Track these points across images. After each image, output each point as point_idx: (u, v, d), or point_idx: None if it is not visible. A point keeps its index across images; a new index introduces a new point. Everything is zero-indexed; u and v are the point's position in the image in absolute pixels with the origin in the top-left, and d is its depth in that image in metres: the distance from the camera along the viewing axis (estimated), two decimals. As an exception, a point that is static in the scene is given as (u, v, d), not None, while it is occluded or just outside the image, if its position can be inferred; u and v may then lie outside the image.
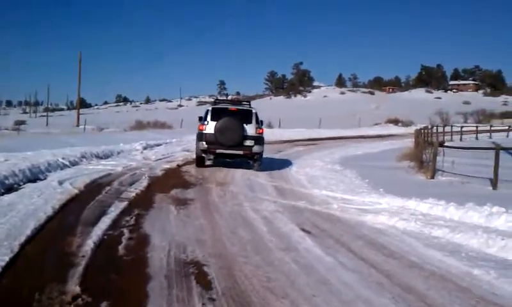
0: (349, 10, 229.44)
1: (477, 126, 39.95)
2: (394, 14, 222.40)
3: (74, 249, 5.62)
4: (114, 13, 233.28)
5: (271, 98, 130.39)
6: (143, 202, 8.83)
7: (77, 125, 49.39)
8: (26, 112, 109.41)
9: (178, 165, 15.29)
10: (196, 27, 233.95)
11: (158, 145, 22.86)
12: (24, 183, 10.22)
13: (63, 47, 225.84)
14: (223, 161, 15.50)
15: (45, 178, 11.08)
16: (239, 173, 13.85)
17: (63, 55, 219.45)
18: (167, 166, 14.76)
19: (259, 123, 15.24)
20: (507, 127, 39.02)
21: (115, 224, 6.96)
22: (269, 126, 39.15)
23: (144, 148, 20.48)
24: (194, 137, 28.91)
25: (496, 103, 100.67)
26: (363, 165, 16.50)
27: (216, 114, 14.63)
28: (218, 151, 14.44)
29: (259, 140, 14.73)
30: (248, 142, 14.45)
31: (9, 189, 9.43)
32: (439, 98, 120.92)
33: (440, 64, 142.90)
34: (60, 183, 10.28)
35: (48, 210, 7.56)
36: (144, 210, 8.04)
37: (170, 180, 12.03)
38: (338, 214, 8.59)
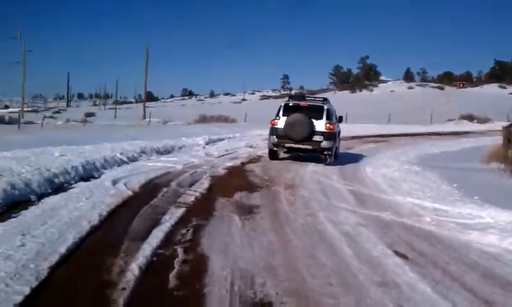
0: (416, 1, 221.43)
1: None
2: (465, 6, 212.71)
3: (114, 276, 4.48)
4: (181, 8, 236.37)
5: (335, 93, 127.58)
6: (202, 209, 7.67)
7: (143, 118, 49.63)
8: (96, 105, 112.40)
9: (242, 163, 14.11)
10: (261, 22, 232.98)
11: (221, 140, 21.87)
12: (75, 182, 9.36)
13: (132, 40, 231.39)
14: (296, 156, 15.61)
15: (99, 176, 10.21)
16: (308, 174, 12.50)
17: (132, 49, 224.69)
18: (230, 164, 13.61)
19: (332, 119, 15.15)
20: None
21: (168, 239, 5.81)
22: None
23: (207, 143, 19.52)
24: (258, 131, 28.41)
25: None
26: (445, 167, 14.74)
27: (288, 110, 14.96)
28: (288, 145, 14.74)
29: (329, 135, 14.60)
30: (317, 138, 14.44)
31: (58, 189, 8.58)
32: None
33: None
34: (114, 182, 9.35)
35: (93, 217, 6.52)
36: (203, 220, 6.86)
37: (233, 181, 10.86)
38: (434, 230, 7.07)
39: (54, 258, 4.79)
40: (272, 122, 15.10)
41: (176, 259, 5.07)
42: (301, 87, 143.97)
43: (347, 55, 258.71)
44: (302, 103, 15.44)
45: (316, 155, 15.20)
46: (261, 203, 8.34)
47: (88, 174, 10.22)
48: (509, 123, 29.26)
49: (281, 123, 14.70)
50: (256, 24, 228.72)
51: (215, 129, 28.83)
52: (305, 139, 14.34)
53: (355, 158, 17.15)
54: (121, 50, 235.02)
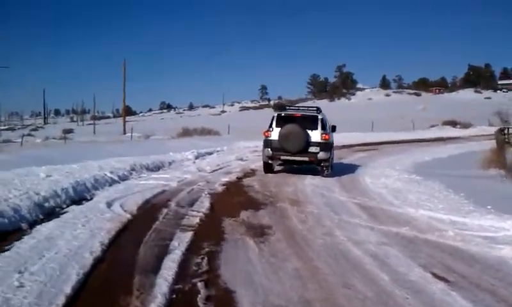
0: (390, 10, 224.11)
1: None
2: (438, 13, 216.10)
3: (133, 323, 3.87)
4: (156, 21, 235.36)
5: (314, 102, 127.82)
6: (210, 232, 7.06)
7: (124, 133, 48.62)
8: (74, 121, 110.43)
9: (238, 178, 13.52)
10: (238, 33, 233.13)
11: (210, 154, 21.24)
12: (67, 206, 8.69)
13: (108, 55, 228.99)
14: (290, 168, 15.13)
15: (91, 198, 9.54)
16: (309, 187, 11.99)
17: (109, 63, 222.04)
18: (225, 179, 13.02)
19: (326, 129, 14.63)
20: None
21: (183, 271, 5.19)
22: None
23: (196, 157, 18.88)
24: (244, 144, 27.86)
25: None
26: (444, 174, 14.40)
27: (281, 121, 14.33)
28: (283, 157, 14.24)
29: (325, 146, 14.15)
30: (313, 149, 13.96)
31: (49, 215, 7.91)
32: (489, 98, 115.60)
33: (488, 63, 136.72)
34: (108, 205, 8.70)
35: (95, 247, 5.88)
36: (215, 246, 6.26)
37: (234, 198, 10.28)
38: (462, 247, 6.58)
39: (60, 301, 4.16)
40: (266, 134, 14.50)
41: (199, 296, 4.47)
42: (280, 98, 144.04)
43: (324, 64, 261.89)
44: (296, 113, 14.91)
45: (312, 167, 14.74)
46: (271, 223, 7.77)
47: (79, 196, 9.54)
48: (500, 127, 29.24)
49: (275, 134, 14.14)
50: (233, 36, 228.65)
51: (201, 142, 28.22)
52: (301, 151, 13.86)
53: (350, 168, 16.70)
54: (97, 65, 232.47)
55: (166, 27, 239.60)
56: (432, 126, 51.25)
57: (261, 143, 20.50)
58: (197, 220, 7.79)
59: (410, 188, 11.99)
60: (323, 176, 14.08)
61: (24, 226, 6.98)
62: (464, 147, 28.49)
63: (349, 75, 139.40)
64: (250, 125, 59.36)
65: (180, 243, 6.29)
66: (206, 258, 5.68)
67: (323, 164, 14.17)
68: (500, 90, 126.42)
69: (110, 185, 11.19)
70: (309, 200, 10.16)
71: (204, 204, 9.27)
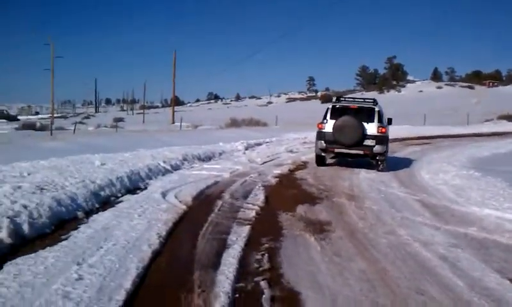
0: (441, 0, 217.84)
1: None
2: (491, 3, 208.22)
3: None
4: (206, 13, 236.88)
5: (362, 93, 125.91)
6: (267, 227, 6.84)
7: (173, 122, 49.18)
8: (124, 110, 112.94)
9: (290, 171, 13.26)
10: (286, 24, 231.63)
11: (259, 144, 21.04)
12: (122, 195, 8.67)
13: (157, 46, 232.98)
14: (344, 161, 14.86)
15: (145, 187, 9.50)
16: (365, 182, 11.60)
17: (158, 55, 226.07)
18: (277, 171, 12.78)
19: (383, 122, 14.07)
20: None
21: (243, 267, 4.99)
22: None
23: (246, 148, 18.72)
24: (293, 135, 27.55)
25: None
26: (505, 171, 13.62)
27: (336, 113, 13.92)
28: (337, 150, 13.81)
29: (382, 139, 13.60)
30: (369, 142, 13.47)
31: (105, 204, 7.88)
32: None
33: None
34: (163, 195, 8.62)
35: (153, 239, 5.76)
36: (274, 242, 6.02)
37: (288, 191, 10.03)
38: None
39: (120, 297, 4.02)
40: (320, 126, 14.15)
41: (263, 296, 4.24)
42: (327, 89, 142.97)
43: (374, 56, 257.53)
44: (351, 105, 14.38)
45: (365, 161, 14.33)
46: (330, 219, 7.47)
47: (134, 185, 9.53)
48: None
49: (329, 126, 13.74)
50: (282, 26, 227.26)
51: (249, 133, 28.09)
52: (356, 144, 13.39)
53: (405, 162, 16.11)
54: (147, 55, 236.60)
55: (214, 18, 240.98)
56: (487, 120, 49.36)
57: (310, 134, 20.39)
58: (253, 213, 7.58)
59: (472, 185, 11.37)
60: (378, 170, 13.67)
61: (80, 214, 6.97)
62: (524, 143, 27.16)
63: (399, 67, 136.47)
64: (297, 115, 59.11)
65: (238, 237, 6.09)
66: (266, 254, 5.45)
67: (378, 158, 13.68)
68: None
69: (163, 174, 11.16)
70: (366, 195, 9.78)
71: (258, 196, 9.06)
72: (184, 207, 7.81)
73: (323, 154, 14.27)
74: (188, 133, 31.03)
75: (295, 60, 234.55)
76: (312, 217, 7.57)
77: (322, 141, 13.90)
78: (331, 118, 13.85)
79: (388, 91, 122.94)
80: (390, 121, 14.97)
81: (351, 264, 5.24)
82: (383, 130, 13.76)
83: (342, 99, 15.26)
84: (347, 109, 13.99)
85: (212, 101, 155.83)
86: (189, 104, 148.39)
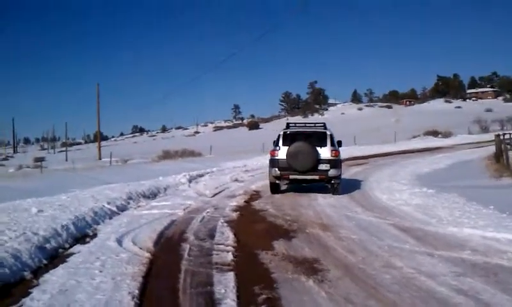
0: (357, 25, 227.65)
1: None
2: (405, 24, 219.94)
3: None
4: (126, 46, 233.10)
5: (287, 119, 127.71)
6: (253, 271, 5.98)
7: (99, 158, 46.98)
8: (44, 149, 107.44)
9: (246, 202, 12.45)
10: (209, 53, 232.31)
11: (201, 176, 20.04)
12: (71, 245, 7.56)
13: (76, 82, 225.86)
14: (296, 187, 14.50)
15: (95, 234, 8.38)
16: (328, 208, 11.04)
17: (78, 91, 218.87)
18: (233, 204, 11.94)
19: (335, 145, 13.84)
20: None
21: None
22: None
23: (190, 181, 17.69)
24: (232, 163, 26.82)
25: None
26: (455, 186, 13.64)
27: (287, 139, 13.62)
28: (292, 177, 13.44)
29: (335, 163, 13.37)
30: (323, 166, 13.21)
31: (54, 257, 6.73)
32: (459, 107, 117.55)
33: (456, 73, 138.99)
34: (119, 242, 7.56)
35: (126, 301, 4.79)
36: (269, 290, 5.17)
37: (255, 225, 9.21)
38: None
39: None
40: (272, 153, 13.77)
41: None
42: (252, 116, 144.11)
43: (296, 82, 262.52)
44: (303, 130, 14.26)
45: (319, 185, 13.94)
46: (316, 255, 6.71)
47: (81, 232, 8.37)
48: (497, 133, 28.65)
49: (282, 153, 13.37)
50: (204, 56, 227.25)
51: (186, 164, 27.07)
52: (311, 169, 13.09)
53: (354, 184, 15.79)
54: (66, 92, 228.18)
55: (134, 51, 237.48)
56: (414, 137, 51.02)
57: (249, 162, 20.04)
58: (230, 256, 6.67)
59: (434, 204, 11.15)
60: (333, 194, 13.35)
61: (28, 275, 5.82)
62: (455, 156, 27.91)
63: (320, 91, 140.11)
64: (228, 144, 58.53)
65: (226, 289, 5.19)
66: (269, 309, 4.59)
67: (334, 182, 13.40)
68: (469, 99, 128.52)
69: (110, 217, 10.02)
70: (338, 224, 9.14)
71: (226, 235, 8.17)
72: (148, 255, 6.79)
73: (277, 182, 13.89)
74: (120, 168, 29.49)
75: (220, 89, 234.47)
76: (295, 254, 6.77)
77: (276, 168, 13.45)
78: (283, 145, 13.52)
79: (312, 115, 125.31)
80: (340, 144, 14.57)
81: (370, 311, 4.48)
82: (336, 153, 13.56)
83: (291, 125, 14.79)
84: (298, 135, 13.74)
85: (137, 134, 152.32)
86: (113, 138, 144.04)
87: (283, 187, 14.50)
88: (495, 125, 59.35)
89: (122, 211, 10.83)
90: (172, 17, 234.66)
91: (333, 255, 6.72)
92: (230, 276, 5.67)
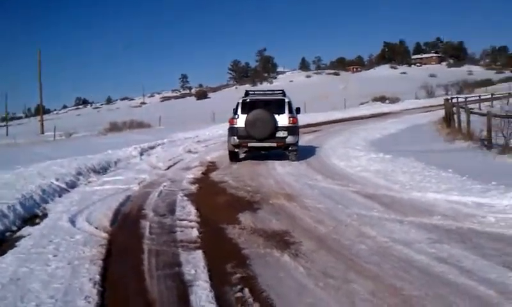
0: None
1: (479, 96, 37.65)
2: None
3: None
4: (67, 12, 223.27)
5: (236, 87, 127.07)
6: (221, 248, 5.62)
7: (42, 132, 45.08)
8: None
9: (204, 173, 12.03)
10: (155, 21, 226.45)
11: (153, 148, 19.36)
12: (19, 228, 6.97)
13: (15, 51, 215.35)
14: (253, 156, 14.54)
15: (45, 214, 7.78)
16: (288, 177, 10.84)
17: (17, 62, 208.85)
18: (190, 176, 11.50)
19: (293, 112, 14.07)
20: (507, 94, 36.79)
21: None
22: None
23: (141, 153, 17.00)
24: (183, 134, 26.20)
25: (461, 73, 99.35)
26: (410, 151, 13.73)
27: (246, 107, 13.66)
28: (250, 144, 13.58)
29: (293, 130, 13.54)
30: (281, 134, 13.31)
31: (1, 242, 6.12)
32: (404, 73, 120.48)
33: (402, 39, 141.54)
34: (72, 221, 7.02)
35: (87, 289, 4.35)
36: (243, 268, 4.85)
37: (217, 198, 8.85)
38: (520, 235, 5.63)
39: None
40: (231, 121, 13.74)
41: None
42: (201, 85, 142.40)
43: (245, 50, 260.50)
44: (261, 98, 14.27)
45: (277, 152, 13.95)
46: (285, 227, 6.42)
47: (30, 212, 7.76)
48: (447, 97, 29.17)
49: (241, 121, 13.41)
50: (150, 24, 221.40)
51: (135, 136, 26.20)
52: (269, 137, 13.19)
53: (309, 151, 15.62)
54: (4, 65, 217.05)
55: (78, 17, 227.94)
56: (362, 103, 51.61)
57: (200, 132, 19.95)
58: (195, 232, 6.29)
59: (393, 169, 11.16)
60: (291, 160, 13.46)
61: (-29, 263, 5.22)
62: (405, 121, 28.33)
63: (269, 59, 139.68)
64: (177, 114, 57.46)
65: (197, 269, 4.82)
66: (246, 289, 4.25)
67: (291, 149, 13.55)
68: (414, 65, 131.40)
69: (59, 195, 9.36)
70: (301, 193, 8.90)
71: (188, 209, 7.76)
72: (105, 235, 6.31)
73: (236, 150, 13.90)
74: (65, 143, 28.20)
75: (166, 58, 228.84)
76: (263, 227, 6.46)
77: (235, 137, 13.49)
78: (242, 113, 13.53)
79: (261, 83, 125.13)
80: (298, 111, 14.80)
81: (354, 286, 4.23)
82: (294, 120, 13.70)
83: (250, 92, 14.75)
84: (257, 103, 13.76)
85: (80, 106, 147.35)
86: (55, 112, 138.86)
87: (242, 155, 14.33)
88: (440, 90, 60.96)
89: (72, 188, 10.19)
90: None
91: (303, 226, 6.46)
92: (199, 255, 5.30)
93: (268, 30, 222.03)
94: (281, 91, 14.62)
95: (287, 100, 13.78)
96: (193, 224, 6.76)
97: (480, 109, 26.81)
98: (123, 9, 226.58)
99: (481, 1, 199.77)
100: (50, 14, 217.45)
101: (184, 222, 6.86)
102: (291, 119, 13.47)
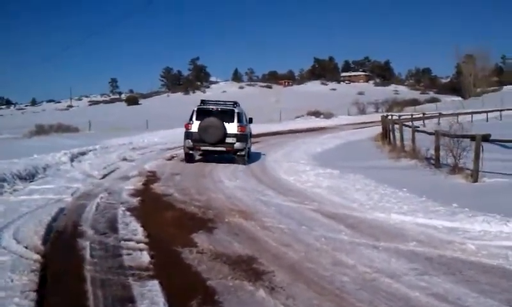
0: (239, 3, 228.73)
1: (411, 115, 38.54)
2: (286, 7, 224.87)
3: None
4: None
5: (168, 95, 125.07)
6: (181, 278, 4.78)
7: (-42, 132, 41.69)
8: None
9: (144, 184, 11.03)
10: (85, 23, 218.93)
11: (84, 154, 17.90)
12: None
13: None
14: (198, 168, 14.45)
15: (-40, 229, 6.53)
16: (237, 191, 10.14)
17: None
18: (129, 187, 10.48)
19: (243, 122, 15.80)
20: (437, 114, 37.88)
21: None
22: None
23: (72, 159, 15.58)
24: (117, 140, 24.85)
25: (387, 92, 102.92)
26: (356, 167, 13.57)
27: (201, 114, 15.23)
28: (203, 148, 15.16)
29: (241, 137, 15.16)
30: (230, 140, 14.91)
31: None
32: (334, 89, 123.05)
33: (332, 56, 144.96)
34: (-5, 239, 5.87)
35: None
36: (207, 305, 4.03)
37: (164, 214, 7.93)
38: (506, 265, 5.21)
39: None
40: (187, 126, 15.33)
41: None
42: (131, 91, 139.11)
43: (177, 57, 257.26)
44: (214, 107, 15.83)
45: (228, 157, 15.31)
46: (250, 252, 5.65)
47: None
48: (384, 114, 29.45)
49: (195, 127, 14.95)
50: (80, 26, 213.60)
51: (64, 141, 24.46)
52: (219, 142, 14.76)
53: (254, 164, 15.21)
54: None
55: (7, 14, 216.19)
56: (298, 117, 51.74)
57: (134, 139, 22.83)
58: (145, 257, 5.39)
59: (346, 185, 10.83)
60: (239, 164, 14.89)
61: None
62: (343, 136, 28.41)
63: (202, 68, 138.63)
64: (107, 119, 55.17)
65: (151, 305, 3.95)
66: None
67: (239, 154, 15.10)
68: (343, 82, 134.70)
69: (-21, 204, 8.12)
70: (257, 209, 8.20)
71: (132, 227, 6.83)
72: (38, 257, 5.28)
73: (191, 152, 15.44)
74: (-15, 144, 26.02)
75: (96, 61, 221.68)
76: (225, 251, 5.66)
77: (190, 140, 15.05)
78: (196, 119, 15.09)
79: (194, 92, 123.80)
80: (250, 121, 17.41)
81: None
82: (242, 129, 15.35)
83: (206, 101, 16.64)
84: (210, 111, 15.38)
85: (3, 106, 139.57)
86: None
87: (176, 170, 13.84)
88: (370, 107, 62.41)
89: (-6, 196, 8.95)
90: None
91: (270, 251, 5.72)
92: (155, 287, 4.43)
93: (201, 39, 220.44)
94: (233, 102, 16.38)
95: (236, 111, 15.43)
96: (141, 245, 5.85)
97: (419, 127, 27.26)
98: (55, 9, 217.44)
99: (407, 24, 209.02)
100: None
101: (131, 243, 5.94)
102: (239, 127, 15.09)
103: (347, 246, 5.94)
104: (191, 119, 15.33)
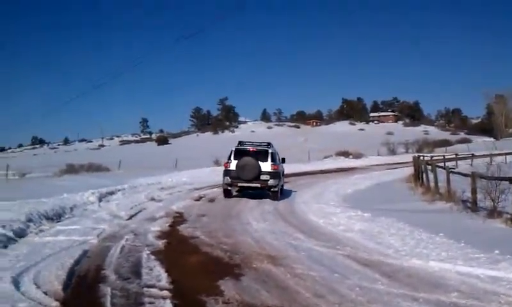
0: (267, 46, 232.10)
1: (444, 156, 37.70)
2: (314, 49, 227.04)
3: None
4: (25, 50, 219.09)
5: (197, 135, 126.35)
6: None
7: (-7, 171, 42.46)
8: None
9: (171, 226, 10.80)
10: (117, 64, 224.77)
11: (112, 193, 17.90)
12: None
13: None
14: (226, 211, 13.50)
15: (-19, 272, 6.35)
16: (266, 235, 9.78)
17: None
18: (156, 228, 10.27)
19: (276, 161, 17.41)
20: (470, 154, 37.03)
21: None
22: (216, 163, 34.59)
23: (100, 199, 15.56)
24: (145, 180, 24.88)
25: (417, 132, 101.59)
26: (388, 209, 13.10)
27: (238, 154, 16.89)
28: (240, 184, 16.79)
29: (274, 174, 16.70)
30: (264, 177, 16.43)
31: None
32: (362, 129, 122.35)
33: (360, 97, 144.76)
34: (16, 283, 5.75)
35: None
36: None
37: (190, 258, 7.62)
38: None
39: None
40: (225, 165, 17.16)
41: None
42: (161, 131, 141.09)
43: (206, 98, 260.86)
44: (250, 148, 17.32)
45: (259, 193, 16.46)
46: (280, 302, 5.31)
47: (-37, 269, 6.35)
48: (416, 155, 28.89)
49: (233, 165, 16.55)
50: (112, 67, 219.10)
51: (93, 180, 24.57)
52: (254, 179, 16.33)
53: (283, 206, 14.83)
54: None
55: (37, 55, 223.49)
56: (326, 157, 51.27)
57: (163, 179, 23.74)
58: (169, 306, 5.08)
59: (379, 230, 10.38)
60: (273, 200, 16.25)
61: None
62: (374, 177, 27.78)
63: (231, 108, 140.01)
64: (137, 159, 55.64)
65: None
66: None
67: (272, 190, 16.56)
68: (372, 122, 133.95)
69: (5, 246, 7.99)
70: (286, 255, 7.84)
71: (156, 272, 6.55)
72: (56, 304, 5.05)
73: (229, 188, 17.07)
74: (17, 183, 26.35)
75: (127, 102, 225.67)
76: (253, 301, 5.32)
77: (228, 177, 16.71)
78: (234, 159, 16.70)
79: (222, 132, 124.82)
80: (283, 160, 19.34)
81: None
82: (275, 167, 16.93)
83: (242, 142, 18.05)
84: (246, 151, 17.02)
85: (37, 146, 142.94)
86: (10, 150, 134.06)
87: (201, 211, 13.53)
88: (400, 148, 61.52)
89: (20, 237, 8.81)
90: (76, 16, 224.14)
91: (300, 302, 5.35)
92: (178, 341, 4.11)
93: (229, 80, 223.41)
94: (267, 143, 18.01)
95: (270, 151, 17.08)
96: (165, 293, 5.56)
97: (454, 168, 26.54)
98: (85, 50, 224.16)
99: (436, 65, 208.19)
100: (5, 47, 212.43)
101: (154, 290, 5.65)
102: (273, 166, 16.69)
103: (385, 297, 5.53)
104: (229, 158, 16.96)
